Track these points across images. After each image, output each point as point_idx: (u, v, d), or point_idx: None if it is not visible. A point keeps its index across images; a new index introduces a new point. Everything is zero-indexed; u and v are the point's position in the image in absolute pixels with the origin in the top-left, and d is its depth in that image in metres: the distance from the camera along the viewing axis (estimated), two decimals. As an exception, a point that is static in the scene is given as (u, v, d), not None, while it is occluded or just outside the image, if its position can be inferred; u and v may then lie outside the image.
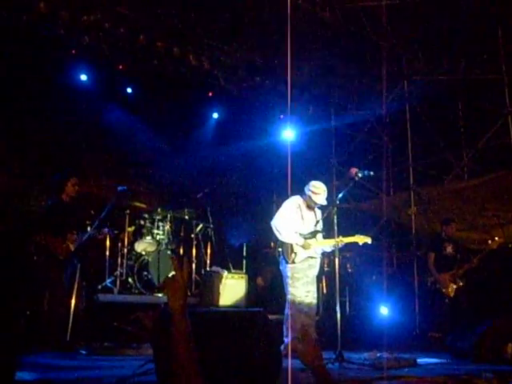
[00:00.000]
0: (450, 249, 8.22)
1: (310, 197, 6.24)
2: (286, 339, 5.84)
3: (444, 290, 8.01)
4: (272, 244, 9.33)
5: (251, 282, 8.66)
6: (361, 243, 6.18)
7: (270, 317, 4.36)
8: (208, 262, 8.84)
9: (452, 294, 7.99)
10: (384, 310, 8.32)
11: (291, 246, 6.08)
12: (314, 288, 6.17)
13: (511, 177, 8.44)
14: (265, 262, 9.30)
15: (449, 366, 5.52)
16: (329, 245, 6.17)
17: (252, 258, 9.52)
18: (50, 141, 8.95)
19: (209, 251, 8.90)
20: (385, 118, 9.99)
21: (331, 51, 9.59)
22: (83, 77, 9.28)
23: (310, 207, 6.32)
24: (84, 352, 5.95)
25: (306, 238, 6.11)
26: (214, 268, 8.39)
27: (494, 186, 8.76)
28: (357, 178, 6.03)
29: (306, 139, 10.40)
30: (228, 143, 10.13)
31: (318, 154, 10.73)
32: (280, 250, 6.23)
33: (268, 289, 9.12)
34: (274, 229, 6.17)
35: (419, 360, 5.63)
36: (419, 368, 5.29)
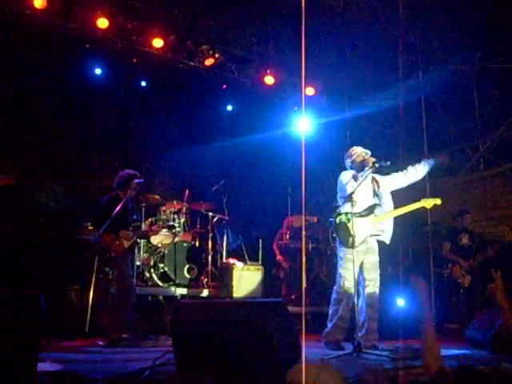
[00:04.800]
0: (465, 239, 8.19)
1: (355, 166, 5.81)
2: (328, 324, 5.71)
3: (459, 281, 7.99)
4: (288, 236, 9.34)
5: (267, 274, 8.69)
6: (429, 207, 5.82)
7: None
8: (224, 254, 8.87)
9: (467, 285, 7.97)
10: (400, 302, 8.28)
11: (347, 228, 5.57)
12: (376, 275, 5.75)
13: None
14: (281, 254, 9.29)
15: (467, 356, 5.48)
16: (391, 217, 5.76)
17: (268, 250, 9.52)
18: (64, 134, 9.03)
19: (225, 243, 8.92)
20: (400, 108, 9.92)
21: (345, 42, 9.53)
22: (98, 71, 9.35)
23: (362, 178, 5.64)
24: (102, 343, 6.00)
25: (362, 216, 5.66)
26: (230, 260, 8.43)
27: (511, 176, 8.70)
28: (373, 169, 5.64)
29: (321, 131, 10.36)
30: (243, 135, 10.12)
31: (332, 146, 10.68)
32: (334, 234, 5.80)
33: (284, 281, 9.14)
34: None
35: (437, 351, 5.60)
36: (437, 359, 5.26)
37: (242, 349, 3.56)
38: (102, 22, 8.44)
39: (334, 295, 5.80)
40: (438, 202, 5.88)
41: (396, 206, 5.93)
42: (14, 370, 3.13)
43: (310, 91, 10.47)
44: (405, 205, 5.89)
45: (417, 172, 5.98)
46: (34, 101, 8.65)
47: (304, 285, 8.68)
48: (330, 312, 5.80)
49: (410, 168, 5.96)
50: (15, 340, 3.16)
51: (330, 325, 5.72)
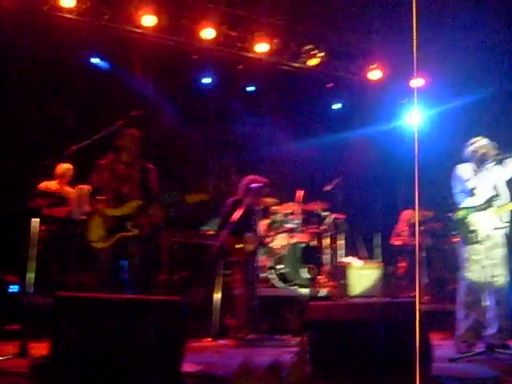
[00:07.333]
0: None
1: (475, 158, 5.58)
2: (460, 328, 5.43)
3: None
4: (407, 232, 9.13)
5: (386, 272, 8.56)
6: None
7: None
8: (342, 252, 8.81)
9: None
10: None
11: (467, 224, 5.41)
12: (504, 271, 5.41)
13: None
14: (398, 251, 9.12)
15: None
16: None
17: (386, 247, 9.38)
18: (184, 140, 9.65)
19: (341, 242, 8.86)
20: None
21: (455, 29, 9.18)
22: (207, 80, 9.80)
23: (484, 172, 5.48)
24: (229, 344, 6.16)
25: (481, 209, 5.40)
26: (349, 258, 8.38)
27: None
28: (495, 163, 5.45)
29: (431, 122, 10.05)
30: (352, 132, 10.05)
31: (444, 137, 10.34)
32: (455, 231, 5.58)
33: (404, 278, 8.96)
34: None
35: None
36: None
37: (376, 348, 3.55)
38: (208, 33, 8.69)
39: (462, 298, 5.50)
40: None
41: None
42: (163, 371, 3.31)
43: (419, 82, 10.19)
44: None
45: None
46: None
47: (419, 281, 8.42)
48: (459, 316, 5.48)
49: None
50: (164, 342, 3.34)
51: (461, 329, 5.40)
